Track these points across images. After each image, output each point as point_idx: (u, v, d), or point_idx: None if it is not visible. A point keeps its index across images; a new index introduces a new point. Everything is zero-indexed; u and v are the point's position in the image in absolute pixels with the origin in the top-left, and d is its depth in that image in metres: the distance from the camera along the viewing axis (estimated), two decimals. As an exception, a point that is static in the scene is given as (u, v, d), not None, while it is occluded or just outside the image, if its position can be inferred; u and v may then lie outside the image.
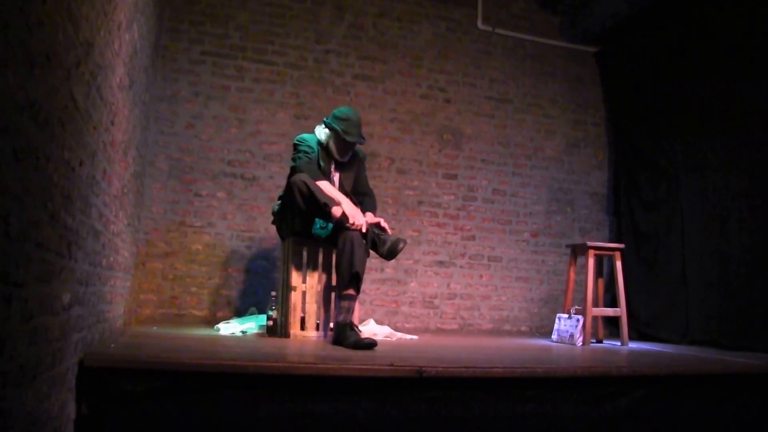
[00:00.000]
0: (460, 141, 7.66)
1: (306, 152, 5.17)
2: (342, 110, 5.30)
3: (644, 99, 7.61)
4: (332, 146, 5.27)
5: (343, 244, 4.87)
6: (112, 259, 3.86)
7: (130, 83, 4.16)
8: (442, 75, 7.71)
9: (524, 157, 7.90)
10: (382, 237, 5.01)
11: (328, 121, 5.27)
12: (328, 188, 5.07)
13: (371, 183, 5.75)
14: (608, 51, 8.19)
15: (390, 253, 4.99)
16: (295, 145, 5.28)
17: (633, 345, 6.03)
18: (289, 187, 5.00)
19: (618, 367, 3.93)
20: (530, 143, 7.94)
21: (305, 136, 5.33)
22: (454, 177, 7.60)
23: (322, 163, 5.25)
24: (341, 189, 5.31)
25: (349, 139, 5.19)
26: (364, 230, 4.96)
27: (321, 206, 4.88)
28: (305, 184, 4.90)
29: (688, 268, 6.66)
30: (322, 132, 5.30)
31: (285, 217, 5.25)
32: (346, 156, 5.34)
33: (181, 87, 6.75)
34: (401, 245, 5.00)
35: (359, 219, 4.96)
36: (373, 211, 5.37)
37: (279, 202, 5.35)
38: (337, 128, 5.18)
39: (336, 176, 5.39)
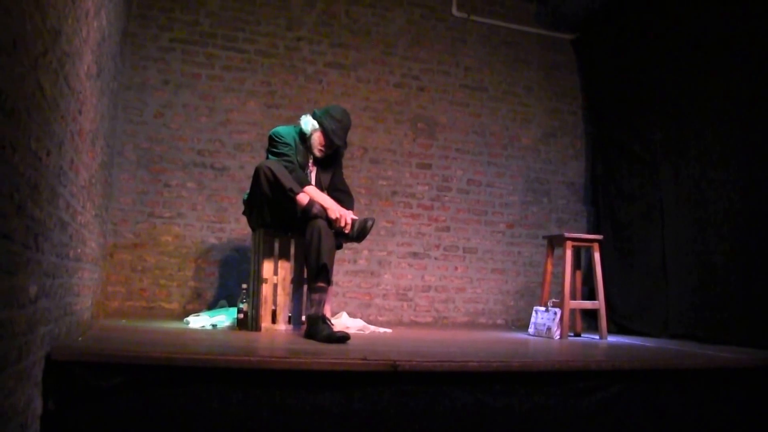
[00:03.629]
0: (435, 130, 7.69)
1: (287, 155, 5.19)
2: (337, 110, 5.36)
3: (622, 87, 7.64)
4: (315, 140, 5.31)
5: (311, 236, 4.89)
6: (79, 250, 3.85)
7: (98, 71, 4.14)
8: (416, 63, 7.72)
9: (500, 146, 7.94)
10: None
11: (319, 114, 5.32)
12: (316, 193, 5.12)
13: (344, 173, 5.76)
14: (585, 38, 8.24)
15: (360, 234, 5.08)
16: (272, 140, 5.29)
17: (612, 339, 6.07)
18: (256, 174, 5.02)
19: (596, 361, 3.96)
20: (506, 132, 7.98)
21: (281, 130, 5.35)
22: (428, 167, 7.63)
23: (299, 158, 5.28)
24: (317, 184, 5.35)
25: (335, 140, 5.27)
26: (347, 230, 5.03)
27: (286, 192, 4.90)
28: (270, 169, 4.92)
29: (667, 259, 6.67)
30: (309, 123, 5.31)
31: (254, 207, 5.25)
32: (324, 155, 5.38)
33: (150, 75, 6.72)
34: (369, 224, 5.09)
35: (349, 219, 5.06)
36: (352, 210, 5.37)
37: (248, 191, 5.36)
38: (327, 126, 5.25)
39: (313, 171, 5.42)
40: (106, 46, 4.48)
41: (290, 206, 4.99)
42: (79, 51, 3.30)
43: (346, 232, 5.05)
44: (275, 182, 4.91)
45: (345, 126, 5.35)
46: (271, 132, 5.34)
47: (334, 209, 5.04)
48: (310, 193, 5.04)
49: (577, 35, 8.29)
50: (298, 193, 4.93)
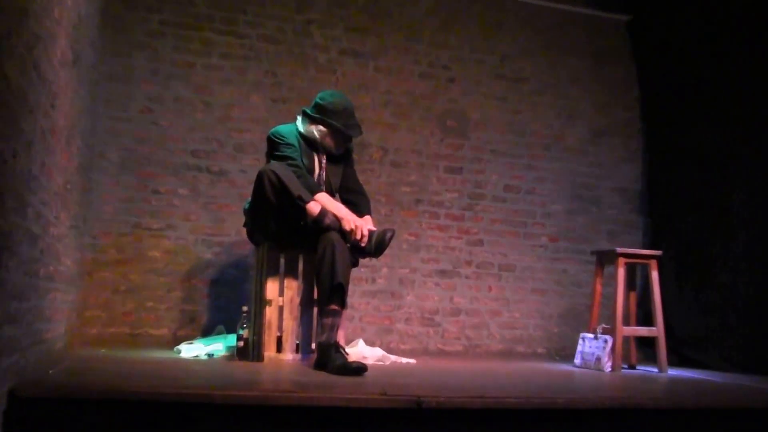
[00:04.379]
0: (466, 128, 7.65)
1: (291, 158, 5.19)
2: (329, 100, 5.38)
3: (687, 77, 7.53)
4: (329, 143, 5.37)
5: (323, 250, 4.87)
6: (52, 268, 3.84)
7: (75, 58, 4.13)
8: (445, 50, 7.69)
9: (541, 147, 7.89)
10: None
11: (316, 114, 5.33)
12: (328, 200, 5.11)
13: (360, 178, 5.74)
14: (643, 19, 8.16)
15: (378, 248, 5.06)
16: (273, 142, 5.31)
17: (672, 372, 6.02)
18: (259, 178, 4.99)
19: (654, 399, 3.93)
20: (548, 131, 7.94)
21: (281, 129, 5.37)
22: (459, 171, 7.59)
23: (305, 160, 5.28)
24: (327, 188, 5.35)
25: (353, 134, 5.39)
26: (363, 244, 4.99)
27: (295, 200, 4.88)
28: (275, 174, 4.90)
29: (739, 279, 6.59)
30: (314, 130, 5.35)
31: (257, 218, 5.22)
32: (342, 149, 5.45)
33: (136, 63, 6.71)
34: (389, 235, 5.07)
35: (365, 230, 5.03)
36: (370, 214, 5.43)
37: (250, 199, 5.34)
38: (338, 124, 5.29)
39: (322, 172, 5.44)
40: (84, 29, 4.48)
41: (299, 216, 4.98)
42: (50, 33, 3.28)
43: (363, 245, 5.01)
44: (281, 189, 4.89)
45: (351, 111, 5.39)
46: (270, 132, 5.36)
47: (349, 219, 5.01)
48: (322, 201, 5.02)
49: (633, 16, 8.22)
50: (308, 202, 4.91)
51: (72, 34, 3.94)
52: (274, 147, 5.25)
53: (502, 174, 7.72)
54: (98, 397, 3.03)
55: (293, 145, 5.24)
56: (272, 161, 5.20)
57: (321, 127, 5.30)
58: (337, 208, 5.07)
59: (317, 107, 5.34)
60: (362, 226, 5.02)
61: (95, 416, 3.00)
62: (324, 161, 5.45)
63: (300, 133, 5.35)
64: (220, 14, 6.98)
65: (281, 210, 4.99)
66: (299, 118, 5.42)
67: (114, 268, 6.48)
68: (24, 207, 2.93)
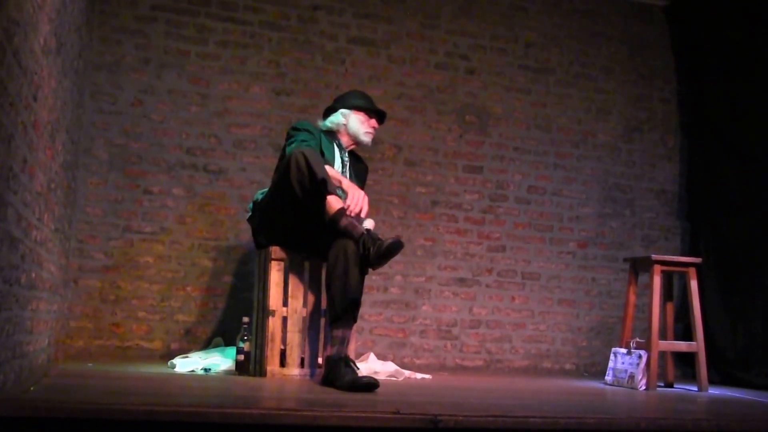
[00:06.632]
0: (487, 123, 7.64)
1: (305, 140, 5.23)
2: (346, 92, 5.72)
3: (730, 67, 7.50)
4: (357, 127, 5.50)
5: (336, 259, 4.83)
6: (34, 275, 3.83)
7: (58, 46, 4.13)
8: (464, 38, 7.68)
9: (570, 144, 7.88)
10: (377, 242, 4.88)
11: (337, 106, 5.55)
12: (336, 175, 5.11)
13: (372, 178, 5.76)
14: (682, 5, 8.12)
15: (378, 258, 4.81)
16: (292, 130, 5.38)
17: (714, 391, 6.00)
18: (287, 162, 4.96)
19: (695, 420, 3.88)
20: (578, 126, 7.92)
21: (305, 122, 5.49)
22: (479, 170, 7.58)
23: (326, 153, 5.37)
24: None
25: (377, 107, 5.56)
26: (362, 219, 4.95)
27: (318, 184, 4.80)
28: (304, 156, 4.85)
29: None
30: (337, 117, 5.51)
31: (270, 212, 5.21)
32: (372, 135, 5.60)
33: (125, 52, 6.71)
34: (388, 243, 4.79)
35: (360, 202, 4.92)
36: None
37: (264, 190, 5.33)
38: (360, 103, 5.48)
39: (346, 170, 5.54)
40: (68, 14, 4.48)
41: (316, 212, 4.91)
42: (32, 19, 3.28)
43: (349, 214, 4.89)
44: (308, 173, 4.82)
45: (368, 96, 5.64)
46: (294, 124, 5.49)
47: (355, 196, 4.92)
48: (331, 174, 4.99)
49: (672, 1, 8.18)
50: (331, 193, 4.84)
51: (55, 20, 3.94)
52: (290, 135, 5.34)
53: (526, 174, 7.71)
54: (84, 417, 2.99)
55: (313, 135, 5.32)
56: (283, 157, 5.23)
57: (343, 111, 5.49)
58: (345, 183, 5.05)
59: (336, 100, 5.58)
60: (359, 208, 4.90)
61: (81, 437, 3.00)
62: (346, 158, 5.54)
63: (323, 131, 5.50)
64: (218, -2, 7.01)
65: (300, 205, 4.95)
66: (324, 121, 5.58)
67: (102, 275, 6.48)
68: (3, 208, 2.92)
